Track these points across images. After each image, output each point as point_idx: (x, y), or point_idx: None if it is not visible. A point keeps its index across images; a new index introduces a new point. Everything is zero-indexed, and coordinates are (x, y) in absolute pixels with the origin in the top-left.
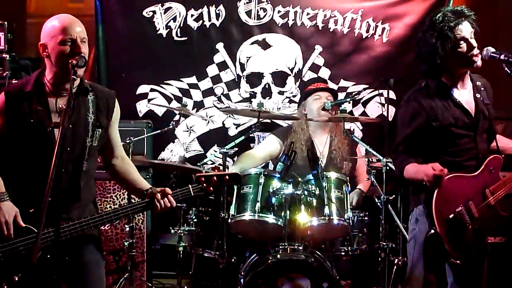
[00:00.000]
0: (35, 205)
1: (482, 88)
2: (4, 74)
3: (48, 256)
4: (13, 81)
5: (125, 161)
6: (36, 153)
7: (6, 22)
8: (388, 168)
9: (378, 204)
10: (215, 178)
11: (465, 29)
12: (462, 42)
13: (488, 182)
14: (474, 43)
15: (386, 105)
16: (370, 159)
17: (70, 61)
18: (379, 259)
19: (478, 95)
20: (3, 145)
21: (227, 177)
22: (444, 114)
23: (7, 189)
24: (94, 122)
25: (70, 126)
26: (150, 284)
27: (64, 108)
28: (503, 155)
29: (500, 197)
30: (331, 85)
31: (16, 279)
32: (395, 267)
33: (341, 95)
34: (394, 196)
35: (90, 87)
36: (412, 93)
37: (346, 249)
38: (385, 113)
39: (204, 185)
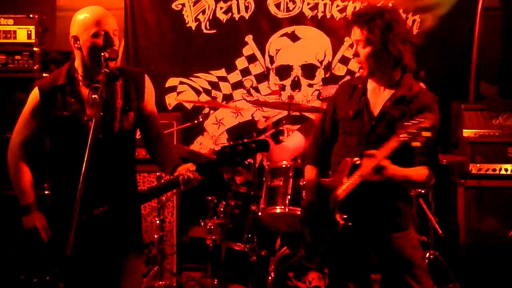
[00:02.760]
0: (72, 197)
1: (405, 101)
2: (35, 67)
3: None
4: (44, 75)
5: (162, 140)
6: (72, 145)
7: (36, 16)
8: None
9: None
10: (241, 147)
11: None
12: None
13: (336, 185)
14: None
15: None
16: None
17: (102, 54)
18: None
19: (389, 103)
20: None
21: (253, 144)
22: (344, 106)
23: (44, 182)
24: (123, 106)
25: (101, 113)
26: (179, 277)
27: (96, 99)
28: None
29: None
30: None
31: (55, 272)
32: (427, 261)
33: None
34: (426, 190)
35: (118, 72)
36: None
37: None
38: None
39: (230, 155)
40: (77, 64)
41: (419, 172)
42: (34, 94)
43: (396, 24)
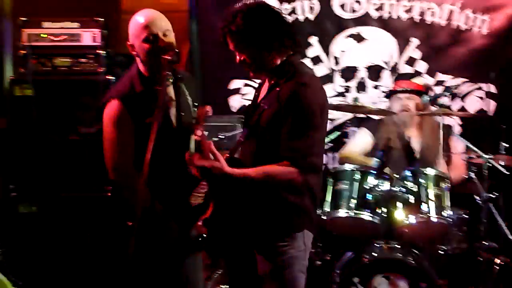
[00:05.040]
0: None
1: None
2: (100, 70)
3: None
4: (108, 77)
5: None
6: (161, 148)
7: (102, 19)
8: (489, 164)
9: (479, 202)
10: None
11: None
12: None
13: None
14: None
15: (486, 99)
16: (470, 156)
17: (164, 56)
18: (480, 259)
19: (265, 94)
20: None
21: None
22: None
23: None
24: (192, 102)
25: (182, 113)
26: None
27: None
28: None
29: None
30: (428, 78)
31: None
32: (497, 267)
33: (438, 89)
34: (495, 193)
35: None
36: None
37: (445, 248)
38: (485, 108)
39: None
40: (142, 69)
41: (271, 169)
42: (118, 107)
43: (253, 20)
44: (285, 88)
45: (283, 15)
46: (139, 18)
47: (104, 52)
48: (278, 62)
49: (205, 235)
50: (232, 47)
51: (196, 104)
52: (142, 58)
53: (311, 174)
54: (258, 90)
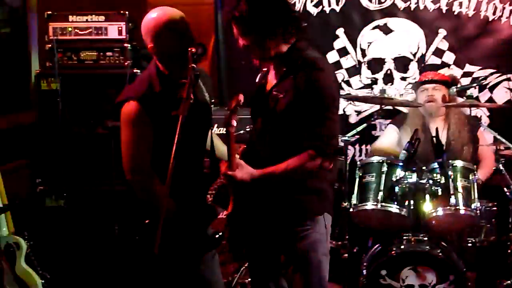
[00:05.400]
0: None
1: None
2: (126, 63)
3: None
4: (134, 71)
5: None
6: (180, 144)
7: (127, 12)
8: None
9: (507, 194)
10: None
11: None
12: None
13: None
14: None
15: None
16: (499, 147)
17: (189, 49)
18: (508, 251)
19: (277, 81)
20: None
21: None
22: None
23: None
24: (209, 99)
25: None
26: None
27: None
28: None
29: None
30: (456, 69)
31: None
32: None
33: (466, 80)
34: None
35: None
36: None
37: (473, 241)
38: None
39: None
40: (161, 67)
41: (295, 162)
42: (136, 108)
43: (256, 6)
44: (301, 75)
45: (287, 1)
46: (158, 19)
47: (130, 45)
48: (284, 49)
49: (221, 233)
50: (236, 33)
51: (213, 100)
52: (165, 58)
53: (333, 158)
54: (264, 78)
